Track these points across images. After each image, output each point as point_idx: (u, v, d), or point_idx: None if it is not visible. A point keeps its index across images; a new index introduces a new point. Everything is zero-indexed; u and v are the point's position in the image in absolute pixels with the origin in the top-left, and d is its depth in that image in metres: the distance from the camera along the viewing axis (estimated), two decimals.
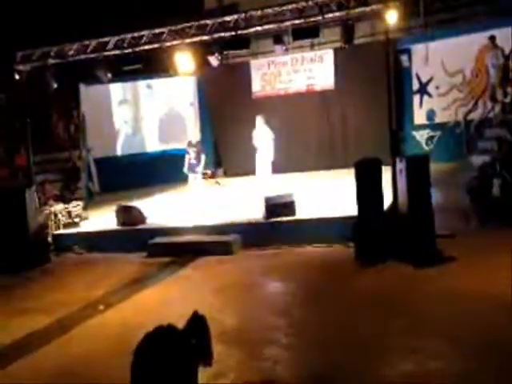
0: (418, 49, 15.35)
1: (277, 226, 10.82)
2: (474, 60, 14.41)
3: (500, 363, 5.35)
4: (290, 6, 11.50)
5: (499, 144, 12.25)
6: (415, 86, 15.57)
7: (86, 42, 12.37)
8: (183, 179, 12.87)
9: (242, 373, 5.75)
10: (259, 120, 12.65)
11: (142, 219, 12.13)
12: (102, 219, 12.93)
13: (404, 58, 15.32)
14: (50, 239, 12.06)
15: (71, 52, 12.47)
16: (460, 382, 5.26)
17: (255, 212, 11.40)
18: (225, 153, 17.63)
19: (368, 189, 9.20)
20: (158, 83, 17.88)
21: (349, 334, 6.47)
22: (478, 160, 11.68)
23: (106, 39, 12.27)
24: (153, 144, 18.08)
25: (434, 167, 10.30)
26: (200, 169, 12.65)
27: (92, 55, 12.43)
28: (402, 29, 13.50)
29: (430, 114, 15.40)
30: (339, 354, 5.96)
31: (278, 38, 12.54)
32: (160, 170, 16.37)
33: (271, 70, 17.09)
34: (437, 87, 15.18)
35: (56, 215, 12.46)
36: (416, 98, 15.59)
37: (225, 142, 17.45)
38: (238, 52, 15.00)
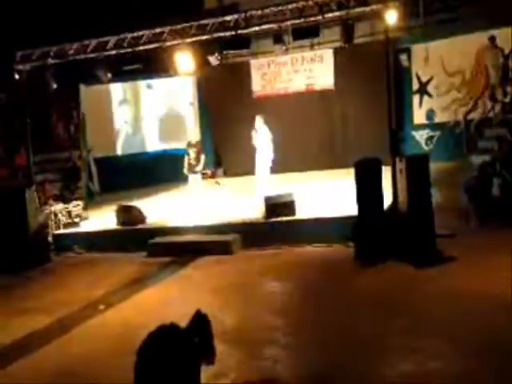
0: (418, 49, 15.36)
1: (277, 226, 10.83)
2: (474, 60, 14.41)
3: (500, 363, 5.35)
4: (289, 6, 11.51)
5: (499, 144, 12.26)
6: (415, 85, 15.58)
7: (86, 42, 12.38)
8: (183, 179, 12.88)
9: (242, 372, 5.75)
10: (258, 120, 12.66)
11: (142, 219, 12.14)
12: (102, 219, 12.94)
13: (404, 57, 15.32)
14: (50, 239, 12.07)
15: (71, 52, 12.48)
16: (460, 381, 5.26)
17: (255, 212, 11.41)
18: (225, 153, 17.64)
19: (368, 189, 9.20)
20: (158, 83, 17.89)
21: (349, 334, 6.47)
22: (477, 160, 11.68)
23: (106, 39, 12.27)
24: (153, 144, 18.10)
25: (434, 167, 10.31)
26: (200, 168, 12.66)
27: (92, 55, 12.43)
28: (401, 28, 13.49)
29: (430, 114, 15.41)
30: (339, 354, 5.96)
31: (278, 38, 12.54)
32: (160, 170, 16.40)
33: (271, 70, 17.10)
34: (436, 87, 15.19)
35: (56, 215, 12.46)
36: (416, 98, 15.60)
37: (225, 142, 17.45)
38: (238, 52, 14.97)
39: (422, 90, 15.44)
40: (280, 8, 11.61)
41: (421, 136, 15.51)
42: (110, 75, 12.94)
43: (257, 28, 11.96)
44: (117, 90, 17.70)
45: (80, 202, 13.32)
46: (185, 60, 12.54)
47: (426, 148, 15.27)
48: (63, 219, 12.53)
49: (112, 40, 12.24)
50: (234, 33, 11.83)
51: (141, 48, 12.28)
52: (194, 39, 12.03)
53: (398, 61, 14.95)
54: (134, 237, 11.58)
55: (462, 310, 6.68)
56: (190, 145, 12.96)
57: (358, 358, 5.80)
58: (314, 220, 10.65)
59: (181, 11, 14.70)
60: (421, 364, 5.56)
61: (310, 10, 11.37)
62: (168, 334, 3.39)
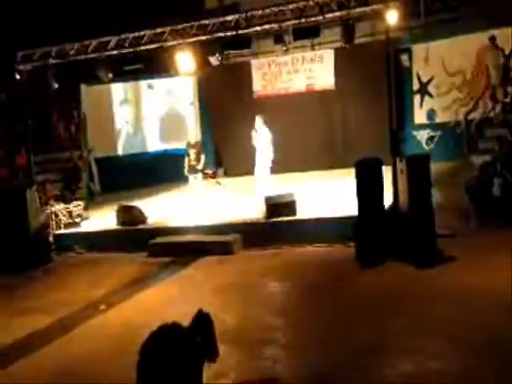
0: (419, 49, 15.36)
1: (277, 226, 10.83)
2: (475, 60, 14.41)
3: (500, 362, 5.35)
4: (290, 6, 11.50)
5: (500, 144, 12.27)
6: (415, 85, 15.58)
7: (87, 42, 12.38)
8: (184, 179, 12.89)
9: (242, 372, 5.76)
10: (258, 120, 12.67)
11: (143, 219, 12.15)
12: (103, 219, 12.95)
13: (404, 57, 15.33)
14: (51, 239, 12.08)
15: (72, 52, 12.48)
16: (460, 381, 5.26)
17: (256, 212, 11.42)
18: (225, 153, 17.64)
19: (368, 189, 9.20)
20: (158, 83, 17.90)
21: (349, 334, 6.48)
22: (478, 160, 11.68)
23: (106, 39, 12.27)
24: (154, 144, 18.11)
25: (435, 167, 10.32)
26: (200, 166, 12.67)
27: (93, 55, 12.43)
28: (402, 28, 13.49)
29: (431, 114, 15.41)
30: (339, 354, 5.96)
31: (278, 38, 12.55)
32: (161, 170, 16.41)
33: (272, 70, 17.11)
34: (437, 87, 15.19)
35: (57, 215, 12.48)
36: (416, 98, 15.60)
37: (225, 142, 17.45)
38: (238, 52, 14.99)
39: (423, 90, 15.45)
40: (281, 8, 11.61)
41: (421, 136, 15.51)
42: (110, 75, 12.95)
43: (257, 28, 11.95)
44: (118, 90, 17.72)
45: (81, 202, 13.34)
46: (185, 60, 12.54)
47: (426, 148, 15.27)
48: (64, 219, 12.55)
49: (113, 40, 12.24)
50: (234, 33, 11.83)
51: (142, 48, 12.28)
52: (194, 39, 12.03)
53: (398, 61, 14.95)
54: (134, 237, 11.59)
55: (462, 309, 6.68)
56: (189, 145, 12.97)
57: (358, 358, 5.80)
58: (314, 220, 10.66)
59: (181, 11, 14.71)
60: (421, 364, 5.57)
61: (310, 10, 11.36)
62: (170, 333, 3.40)
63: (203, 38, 12.00)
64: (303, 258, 9.85)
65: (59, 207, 12.70)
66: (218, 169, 17.46)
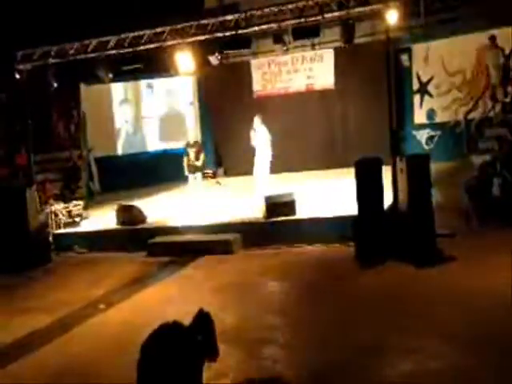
0: (419, 48, 15.36)
1: (277, 226, 10.83)
2: (475, 60, 14.41)
3: (500, 362, 5.35)
4: (290, 6, 11.50)
5: (500, 143, 12.27)
6: (415, 85, 15.57)
7: (87, 42, 12.38)
8: (184, 179, 12.89)
9: (242, 372, 5.76)
10: (256, 120, 12.67)
11: (143, 219, 12.15)
12: (103, 219, 12.96)
13: (404, 57, 15.33)
14: (50, 239, 12.08)
15: (72, 51, 12.48)
16: (460, 381, 5.26)
17: (255, 211, 11.42)
18: (225, 152, 17.64)
19: (368, 188, 9.20)
20: (158, 83, 17.90)
21: (349, 334, 6.48)
22: (478, 159, 11.68)
23: (106, 39, 12.27)
24: (153, 143, 18.11)
25: (435, 167, 10.31)
26: (199, 163, 12.66)
27: (93, 55, 12.43)
28: (402, 28, 13.49)
29: (431, 114, 15.40)
30: (339, 354, 5.96)
31: (278, 38, 12.54)
32: (161, 170, 16.41)
33: (271, 70, 17.10)
34: (437, 87, 15.19)
35: (56, 215, 12.48)
36: (416, 98, 15.60)
37: (225, 142, 17.45)
38: (238, 51, 14.98)
39: (423, 90, 15.44)
40: (280, 8, 11.61)
41: (421, 136, 15.50)
42: (110, 75, 12.95)
43: (257, 28, 11.96)
44: (117, 89, 17.72)
45: (80, 202, 13.35)
46: (185, 60, 12.54)
47: (426, 148, 15.27)
48: (64, 219, 12.55)
49: (112, 40, 12.24)
50: (234, 32, 11.82)
51: (141, 48, 12.27)
52: (194, 39, 12.03)
53: (398, 61, 14.94)
54: (134, 236, 11.60)
55: (462, 309, 6.68)
56: (188, 145, 12.99)
57: (358, 358, 5.80)
58: (314, 220, 10.66)
59: (181, 11, 14.71)
60: (421, 364, 5.57)
61: (310, 10, 11.36)
62: (171, 332, 3.39)
63: (203, 37, 12.00)
64: (303, 257, 9.85)
65: (59, 207, 12.70)
66: (218, 169, 17.47)
